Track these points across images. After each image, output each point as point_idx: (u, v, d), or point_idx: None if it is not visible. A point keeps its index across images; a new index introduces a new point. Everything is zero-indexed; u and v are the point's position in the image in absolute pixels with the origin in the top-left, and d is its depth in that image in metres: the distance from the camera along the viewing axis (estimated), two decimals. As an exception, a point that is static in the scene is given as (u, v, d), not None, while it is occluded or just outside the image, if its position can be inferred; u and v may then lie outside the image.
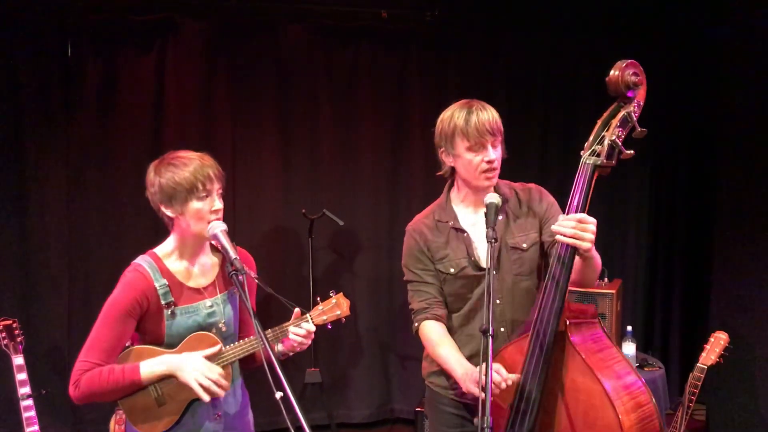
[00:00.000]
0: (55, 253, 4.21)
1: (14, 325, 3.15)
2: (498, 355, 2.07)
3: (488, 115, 2.15)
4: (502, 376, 1.92)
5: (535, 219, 2.25)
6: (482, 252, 2.19)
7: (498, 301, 2.21)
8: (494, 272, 2.17)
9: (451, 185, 2.33)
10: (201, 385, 1.97)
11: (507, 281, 2.21)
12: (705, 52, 4.52)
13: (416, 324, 2.32)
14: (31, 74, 4.11)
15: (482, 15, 4.56)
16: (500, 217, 2.20)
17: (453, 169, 2.27)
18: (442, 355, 2.21)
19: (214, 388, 1.98)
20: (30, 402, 3.09)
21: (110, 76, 4.24)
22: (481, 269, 2.18)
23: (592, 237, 1.83)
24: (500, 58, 4.62)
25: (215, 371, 2.00)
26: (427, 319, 2.28)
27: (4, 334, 3.12)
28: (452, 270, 2.23)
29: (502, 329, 2.20)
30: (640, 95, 1.88)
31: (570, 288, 1.96)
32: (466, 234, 2.23)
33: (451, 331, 2.28)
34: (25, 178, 4.15)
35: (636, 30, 4.52)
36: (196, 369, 1.97)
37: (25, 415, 3.06)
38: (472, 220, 2.26)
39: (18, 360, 3.11)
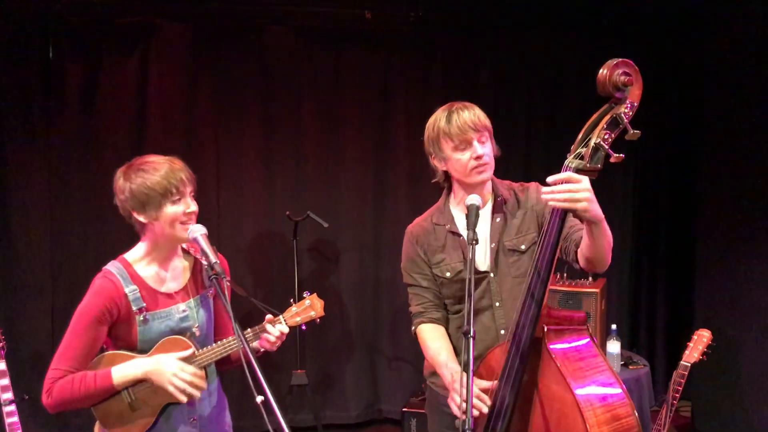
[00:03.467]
0: (38, 257, 4.18)
1: (-4, 330, 3.13)
2: (484, 359, 2.07)
3: (469, 113, 2.14)
4: (482, 400, 1.93)
5: (534, 217, 2.22)
6: (478, 256, 2.17)
7: (497, 304, 2.19)
8: (492, 275, 2.17)
9: (449, 189, 2.32)
10: (176, 387, 1.96)
11: (506, 284, 2.19)
12: (687, 53, 4.56)
13: (413, 328, 2.32)
14: (13, 77, 4.08)
15: (467, 15, 4.56)
16: (497, 219, 2.20)
17: (447, 174, 2.26)
18: (430, 357, 2.22)
19: (190, 389, 1.97)
20: (13, 407, 3.06)
21: (92, 79, 4.22)
22: (478, 273, 2.16)
23: (588, 195, 1.76)
24: (485, 58, 4.63)
25: (189, 371, 1.99)
26: (423, 323, 2.28)
27: (-15, 340, 3.09)
28: (448, 274, 2.22)
29: (502, 332, 2.18)
30: (633, 95, 1.79)
31: (586, 269, 1.98)
32: (461, 238, 2.21)
33: (451, 333, 2.27)
34: (6, 183, 4.12)
35: (620, 30, 4.55)
36: (171, 371, 1.96)
37: (8, 420, 3.04)
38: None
39: (0, 365, 3.08)
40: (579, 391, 1.81)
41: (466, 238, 2.16)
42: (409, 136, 4.55)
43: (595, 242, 1.92)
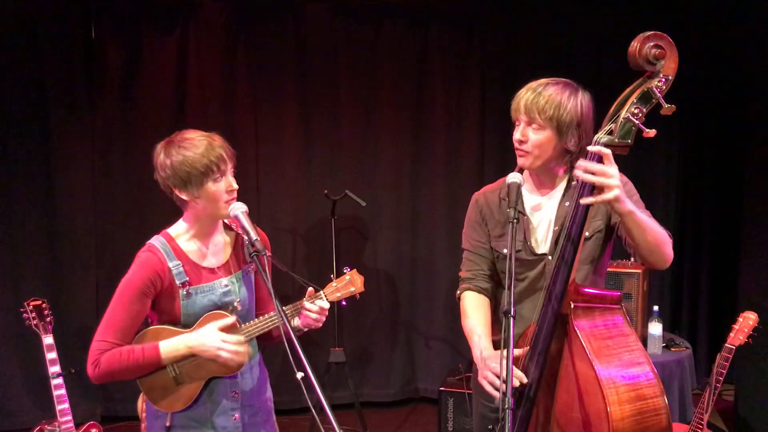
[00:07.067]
0: (83, 234, 4.29)
1: (43, 305, 3.20)
2: (523, 335, 2.05)
3: (528, 94, 2.05)
4: (518, 376, 1.89)
5: (605, 207, 2.09)
6: (540, 237, 2.14)
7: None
8: (550, 257, 2.09)
9: None
10: (225, 357, 1.98)
11: None
12: (732, 26, 4.40)
13: (458, 292, 2.28)
14: (56, 56, 4.16)
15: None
16: (566, 204, 2.11)
17: None
18: (466, 327, 2.17)
19: (237, 357, 2.00)
20: (60, 380, 3.14)
21: (133, 58, 4.28)
22: (536, 255, 2.12)
23: (618, 181, 1.72)
24: (524, 34, 4.54)
25: (232, 340, 2.00)
26: (469, 289, 2.24)
27: (33, 315, 3.17)
28: (504, 251, 2.14)
29: None
30: (667, 69, 1.76)
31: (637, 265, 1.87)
32: (525, 217, 2.15)
33: (499, 307, 2.21)
34: (51, 161, 4.22)
35: (662, 5, 4.42)
36: (215, 343, 1.98)
37: (55, 393, 3.12)
38: (534, 202, 2.18)
39: (48, 339, 3.16)
40: (601, 369, 1.78)
41: (529, 217, 2.14)
42: (446, 114, 4.50)
43: (632, 235, 1.88)
